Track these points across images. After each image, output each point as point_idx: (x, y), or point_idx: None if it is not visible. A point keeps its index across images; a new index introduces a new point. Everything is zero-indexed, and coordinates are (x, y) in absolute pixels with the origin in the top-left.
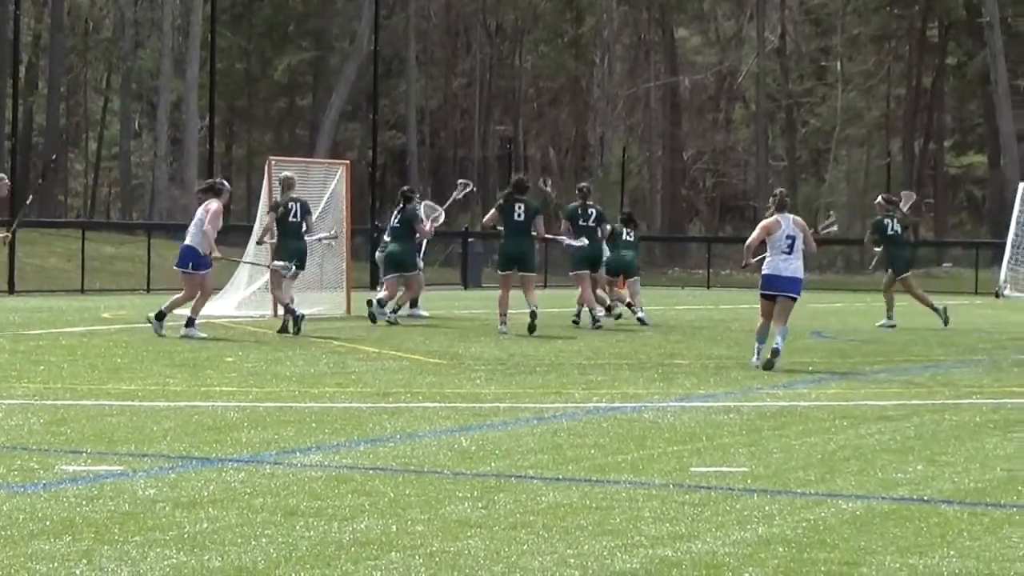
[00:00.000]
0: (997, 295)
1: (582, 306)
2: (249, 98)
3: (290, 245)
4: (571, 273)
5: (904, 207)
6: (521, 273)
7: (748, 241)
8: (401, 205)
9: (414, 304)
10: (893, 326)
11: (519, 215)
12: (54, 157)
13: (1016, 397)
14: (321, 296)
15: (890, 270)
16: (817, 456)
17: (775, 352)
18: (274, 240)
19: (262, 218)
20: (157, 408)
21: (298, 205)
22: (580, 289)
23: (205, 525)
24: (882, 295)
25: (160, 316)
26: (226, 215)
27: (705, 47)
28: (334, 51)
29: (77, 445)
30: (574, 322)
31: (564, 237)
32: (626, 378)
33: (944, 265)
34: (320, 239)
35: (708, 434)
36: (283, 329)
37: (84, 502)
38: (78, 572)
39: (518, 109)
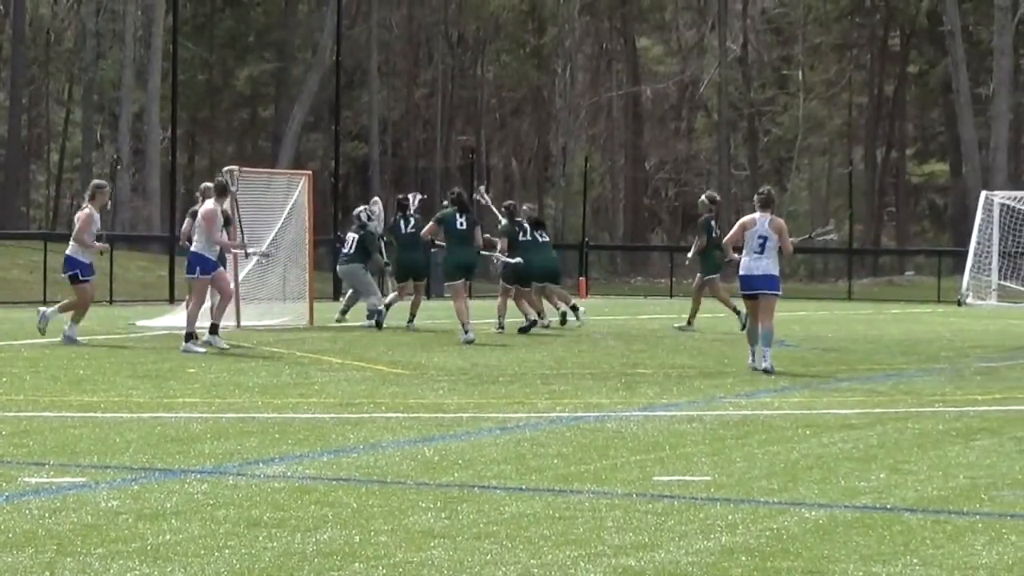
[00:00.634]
0: (959, 303)
1: (572, 306)
2: (211, 109)
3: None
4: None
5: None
6: (469, 281)
7: (726, 238)
8: (403, 213)
9: (372, 315)
10: (693, 329)
11: (462, 224)
12: (116, 156)
13: (978, 405)
14: (284, 307)
15: (699, 274)
16: (780, 465)
17: (767, 371)
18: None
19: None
20: (120, 419)
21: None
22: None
23: (168, 537)
24: (691, 298)
25: (188, 338)
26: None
27: (667, 56)
28: (296, 62)
29: (40, 457)
30: (530, 327)
31: (499, 255)
32: (589, 388)
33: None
34: (254, 254)
35: (671, 443)
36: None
37: (47, 514)
38: None
39: (480, 119)
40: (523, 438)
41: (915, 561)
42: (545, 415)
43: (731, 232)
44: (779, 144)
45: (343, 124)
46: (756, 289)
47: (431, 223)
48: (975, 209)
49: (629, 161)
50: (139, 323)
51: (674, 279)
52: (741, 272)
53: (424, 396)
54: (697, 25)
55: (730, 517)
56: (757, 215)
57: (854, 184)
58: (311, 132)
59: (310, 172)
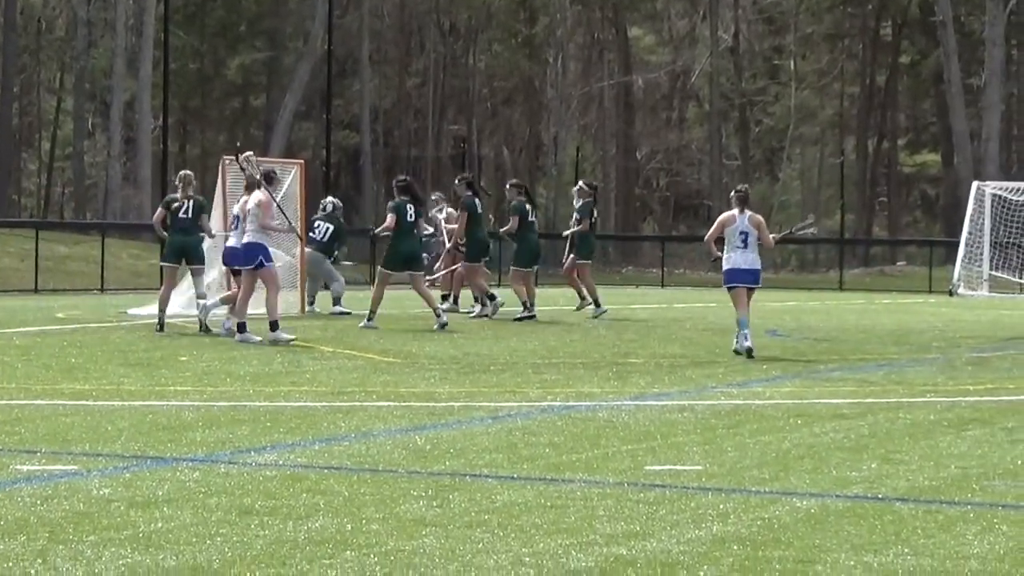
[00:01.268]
0: (951, 293)
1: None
2: (203, 98)
3: (175, 240)
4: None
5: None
6: (413, 272)
7: (707, 236)
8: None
9: (337, 302)
10: (605, 311)
11: (410, 216)
12: (239, 144)
13: (970, 395)
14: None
15: (572, 255)
16: (771, 454)
17: (749, 352)
18: (165, 234)
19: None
20: (112, 407)
21: (191, 203)
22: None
23: (160, 524)
24: (567, 283)
25: (274, 327)
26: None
27: (658, 46)
28: (288, 51)
29: (32, 445)
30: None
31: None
32: (580, 377)
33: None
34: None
35: (662, 433)
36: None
37: (39, 502)
38: (33, 572)
39: (472, 109)
40: (515, 427)
41: (906, 551)
42: (537, 404)
43: (712, 229)
44: (771, 134)
45: (334, 113)
46: (743, 282)
47: (391, 216)
48: (967, 199)
49: (620, 151)
50: (130, 311)
51: (665, 269)
52: (728, 266)
53: (416, 385)
54: (689, 15)
55: (721, 506)
56: (735, 212)
57: (846, 174)
58: (302, 121)
59: (302, 161)
